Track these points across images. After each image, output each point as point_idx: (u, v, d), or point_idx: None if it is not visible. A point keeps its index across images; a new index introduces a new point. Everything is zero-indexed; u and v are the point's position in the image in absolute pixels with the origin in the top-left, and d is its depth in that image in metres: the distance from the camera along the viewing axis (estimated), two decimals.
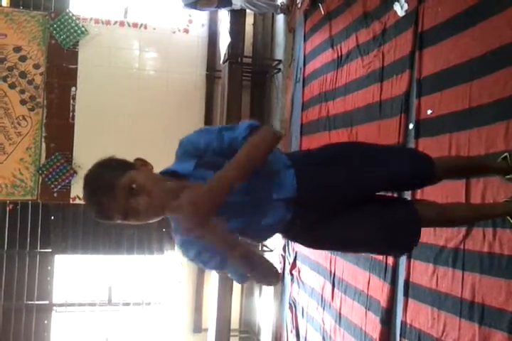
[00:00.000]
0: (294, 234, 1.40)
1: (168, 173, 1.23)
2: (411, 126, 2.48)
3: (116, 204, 1.11)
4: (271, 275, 1.15)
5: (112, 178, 1.12)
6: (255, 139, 1.16)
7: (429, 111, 2.33)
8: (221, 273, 1.34)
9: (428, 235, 2.21)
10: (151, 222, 1.19)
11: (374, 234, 1.36)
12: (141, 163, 1.22)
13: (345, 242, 1.40)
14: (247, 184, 1.17)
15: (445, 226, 1.90)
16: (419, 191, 2.26)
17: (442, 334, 2.08)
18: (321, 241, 1.42)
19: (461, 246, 2.00)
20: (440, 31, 2.32)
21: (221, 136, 1.21)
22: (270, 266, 1.13)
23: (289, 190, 1.26)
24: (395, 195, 1.62)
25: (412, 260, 2.34)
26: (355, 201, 1.36)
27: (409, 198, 2.21)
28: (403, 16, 2.67)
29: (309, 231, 1.35)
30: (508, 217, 1.68)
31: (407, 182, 1.46)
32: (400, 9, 2.70)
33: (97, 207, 1.14)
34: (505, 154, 1.70)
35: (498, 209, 1.69)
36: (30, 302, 5.10)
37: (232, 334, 4.67)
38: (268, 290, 4.75)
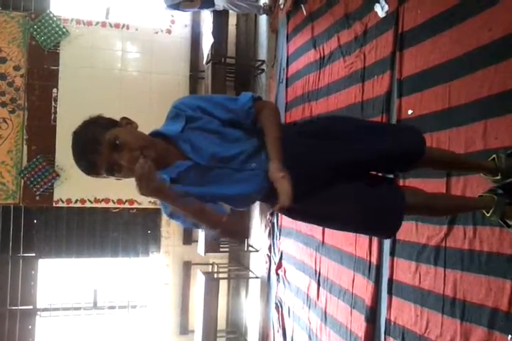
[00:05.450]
0: (274, 203, 1.40)
1: (153, 135, 1.30)
2: None
3: (101, 160, 1.18)
4: (235, 233, 1.26)
5: (98, 135, 1.18)
6: (273, 110, 1.37)
7: (409, 111, 2.37)
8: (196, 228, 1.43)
9: (410, 233, 2.24)
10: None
11: (354, 212, 1.39)
12: (127, 122, 1.29)
13: (326, 217, 1.42)
14: (233, 152, 1.27)
15: (426, 214, 1.89)
16: (401, 184, 2.28)
17: (425, 330, 2.11)
18: (303, 214, 1.44)
19: (443, 244, 2.04)
20: (420, 32, 2.35)
21: (225, 104, 1.36)
22: (235, 223, 1.22)
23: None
24: (384, 176, 1.62)
25: (395, 258, 2.37)
26: (342, 176, 1.36)
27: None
28: (384, 17, 2.70)
29: (293, 203, 1.35)
30: (484, 211, 1.70)
31: (397, 158, 1.43)
32: (380, 10, 2.73)
33: (84, 162, 1.21)
34: (493, 156, 1.71)
35: (476, 203, 1.73)
36: (13, 307, 5.02)
37: (219, 335, 4.66)
38: (254, 291, 4.75)
